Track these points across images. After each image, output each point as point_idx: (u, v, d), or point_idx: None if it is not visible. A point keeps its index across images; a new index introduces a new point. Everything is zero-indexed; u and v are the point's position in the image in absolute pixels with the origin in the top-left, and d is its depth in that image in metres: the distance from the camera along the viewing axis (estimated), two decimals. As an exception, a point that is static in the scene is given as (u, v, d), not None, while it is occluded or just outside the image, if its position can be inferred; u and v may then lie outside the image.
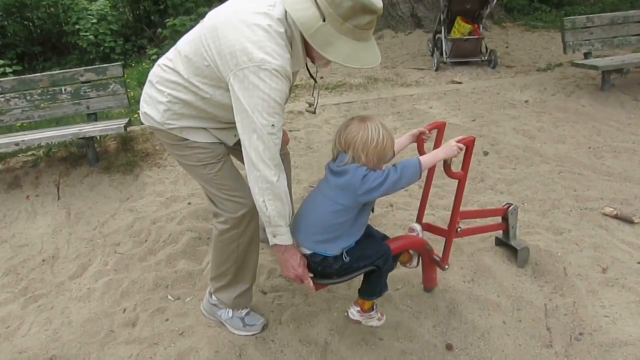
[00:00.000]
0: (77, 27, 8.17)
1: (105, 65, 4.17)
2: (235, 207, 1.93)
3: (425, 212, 2.34)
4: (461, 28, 6.31)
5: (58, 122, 4.67)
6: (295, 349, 2.08)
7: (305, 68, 1.91)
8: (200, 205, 3.29)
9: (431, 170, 2.24)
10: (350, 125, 1.74)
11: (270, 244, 1.81)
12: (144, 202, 3.47)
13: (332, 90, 5.72)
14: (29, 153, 4.18)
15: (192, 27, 1.88)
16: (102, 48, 8.26)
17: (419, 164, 1.73)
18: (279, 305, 2.33)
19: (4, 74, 7.00)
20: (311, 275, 1.85)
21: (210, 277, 2.18)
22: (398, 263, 2.10)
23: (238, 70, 1.61)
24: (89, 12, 8.37)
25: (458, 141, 1.85)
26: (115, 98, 4.14)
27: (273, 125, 1.65)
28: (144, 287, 2.56)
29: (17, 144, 3.71)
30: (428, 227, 2.27)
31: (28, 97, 4.00)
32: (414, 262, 2.18)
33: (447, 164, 1.91)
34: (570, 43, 5.22)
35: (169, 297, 2.48)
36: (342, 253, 1.81)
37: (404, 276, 2.45)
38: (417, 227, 2.23)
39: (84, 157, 4.02)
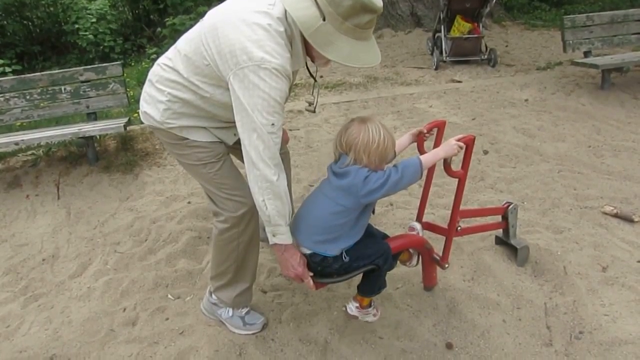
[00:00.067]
0: (76, 26, 8.17)
1: (104, 64, 4.17)
2: (235, 206, 1.93)
3: (425, 211, 2.34)
4: (461, 27, 6.30)
5: (58, 121, 4.67)
6: (296, 347, 2.09)
7: (305, 67, 1.91)
8: (200, 204, 3.29)
9: (431, 169, 2.24)
10: (350, 127, 1.74)
11: (270, 243, 1.81)
12: (144, 201, 3.47)
13: (332, 89, 5.72)
14: (29, 152, 4.18)
15: (191, 26, 1.88)
16: (101, 47, 8.26)
17: (420, 163, 1.73)
18: (279, 304, 2.33)
19: (4, 74, 7.01)
20: (311, 274, 1.85)
21: (210, 276, 2.18)
22: (398, 262, 2.11)
23: (238, 70, 1.61)
24: (88, 12, 8.37)
25: (458, 140, 1.85)
26: (114, 97, 4.13)
27: (273, 124, 1.65)
28: (144, 287, 2.56)
29: (16, 143, 3.71)
30: (428, 226, 2.27)
31: (28, 97, 4.00)
32: (414, 261, 2.18)
33: (447, 163, 1.91)
34: (570, 42, 5.21)
35: (169, 296, 2.48)
36: (341, 253, 1.81)
37: (404, 275, 2.45)
38: (417, 225, 2.23)
39: (83, 156, 4.02)
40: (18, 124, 4.49)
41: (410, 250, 2.14)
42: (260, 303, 2.34)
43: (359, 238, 1.83)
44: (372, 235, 1.95)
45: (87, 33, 8.08)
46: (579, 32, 5.25)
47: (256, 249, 2.11)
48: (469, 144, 1.92)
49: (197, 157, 1.93)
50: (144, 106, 1.95)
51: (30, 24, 8.91)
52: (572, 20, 5.26)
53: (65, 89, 4.05)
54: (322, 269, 1.85)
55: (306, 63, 1.86)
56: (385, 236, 2.04)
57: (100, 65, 4.19)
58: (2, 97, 3.96)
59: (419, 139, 2.07)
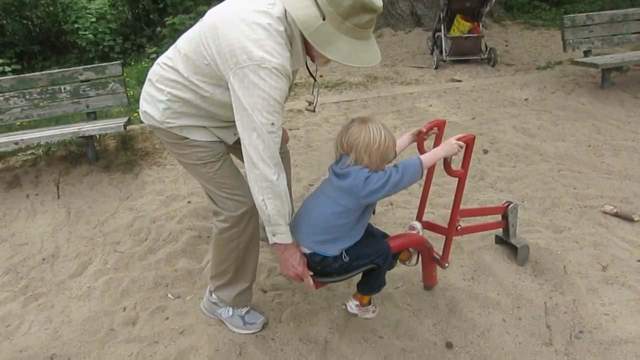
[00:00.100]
0: (76, 25, 8.17)
1: (104, 64, 4.17)
2: (236, 205, 1.93)
3: (425, 210, 2.34)
4: (461, 26, 6.30)
5: (57, 121, 4.67)
6: (296, 347, 2.09)
7: (305, 66, 1.91)
8: (200, 203, 3.29)
9: (431, 168, 2.24)
10: (351, 128, 1.74)
11: (270, 242, 1.81)
12: (143, 200, 3.47)
13: (332, 88, 5.72)
14: (29, 152, 4.18)
15: (191, 25, 1.88)
16: (101, 47, 8.26)
17: (420, 163, 1.74)
18: (279, 304, 2.34)
19: (3, 73, 7.01)
20: (311, 273, 1.85)
21: (210, 276, 2.18)
22: (397, 261, 2.11)
23: (238, 69, 1.60)
24: (88, 11, 8.37)
25: (458, 139, 1.85)
26: (114, 97, 4.13)
27: (273, 123, 1.65)
28: (144, 286, 2.56)
29: (16, 143, 3.70)
30: (428, 225, 2.27)
31: (27, 96, 4.00)
32: (413, 260, 2.18)
33: (447, 162, 1.91)
34: (570, 41, 5.21)
35: (169, 295, 2.48)
36: (341, 253, 1.81)
37: (404, 274, 2.45)
38: (418, 225, 2.23)
39: (83, 156, 4.02)
40: (18, 123, 4.48)
41: (410, 249, 2.14)
42: (260, 302, 2.34)
43: (359, 238, 1.83)
44: (372, 235, 1.95)
45: (86, 32, 8.08)
46: (579, 31, 5.25)
47: (256, 248, 2.11)
48: (469, 143, 1.92)
49: (197, 156, 1.93)
50: (144, 105, 1.95)
51: (29, 23, 8.91)
52: (572, 20, 5.26)
53: (65, 88, 4.05)
54: (322, 268, 1.85)
55: (306, 62, 1.86)
56: (385, 235, 2.04)
57: (100, 64, 4.18)
58: (1, 96, 3.96)
59: (419, 139, 2.07)
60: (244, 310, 2.18)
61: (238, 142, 1.75)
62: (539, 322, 2.14)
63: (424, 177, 2.20)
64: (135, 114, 4.56)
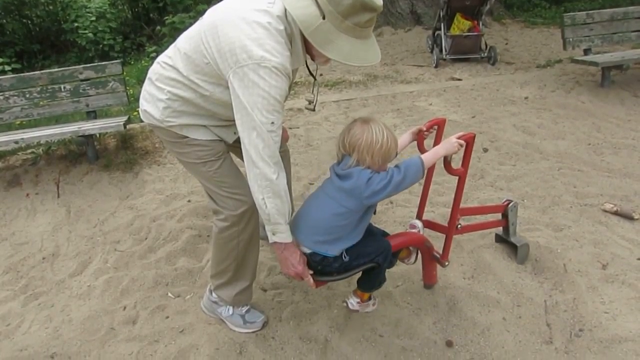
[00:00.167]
0: (75, 24, 8.16)
1: (104, 63, 4.16)
2: (236, 204, 1.93)
3: (425, 209, 2.34)
4: (461, 25, 6.30)
5: (57, 120, 4.67)
6: (296, 346, 2.09)
7: (305, 65, 1.91)
8: (200, 202, 3.29)
9: (431, 167, 2.23)
10: (353, 128, 1.74)
11: (270, 241, 1.81)
12: (143, 199, 3.47)
13: (332, 87, 5.72)
14: (29, 151, 4.18)
15: (191, 24, 1.88)
16: (101, 46, 8.25)
17: (422, 162, 1.74)
18: (279, 303, 2.34)
19: (3, 72, 7.00)
20: (311, 272, 1.86)
21: (210, 275, 2.18)
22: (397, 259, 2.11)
23: (238, 68, 1.60)
24: (87, 10, 8.36)
25: (458, 138, 1.85)
26: (114, 96, 4.13)
27: (273, 122, 1.65)
28: (144, 285, 2.56)
29: (16, 142, 3.70)
30: (428, 224, 2.27)
31: (27, 95, 4.00)
32: (412, 258, 2.18)
33: (447, 161, 1.91)
34: (570, 39, 5.21)
35: (169, 294, 2.48)
36: (341, 253, 1.81)
37: (404, 273, 2.45)
38: (419, 223, 2.23)
39: (83, 155, 4.02)
40: (18, 122, 4.48)
41: (410, 247, 2.15)
42: (261, 301, 2.34)
43: (359, 239, 1.83)
44: (371, 234, 1.95)
45: (86, 31, 8.07)
46: (578, 29, 5.25)
47: (256, 247, 2.11)
48: (469, 142, 1.92)
49: (197, 155, 1.93)
50: (144, 104, 1.95)
51: (29, 22, 8.90)
52: (572, 18, 5.26)
53: (64, 87, 4.05)
54: (322, 267, 1.85)
55: (306, 61, 1.86)
56: (384, 234, 2.04)
57: (99, 63, 4.18)
58: (1, 95, 3.95)
59: (419, 137, 2.07)
60: (244, 309, 2.18)
61: (238, 141, 1.75)
62: (539, 320, 2.14)
63: (424, 176, 2.20)
64: (135, 113, 4.56)
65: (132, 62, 7.95)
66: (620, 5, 8.28)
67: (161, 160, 4.02)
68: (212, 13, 1.75)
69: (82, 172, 3.85)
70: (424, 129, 2.06)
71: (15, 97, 3.98)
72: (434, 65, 6.29)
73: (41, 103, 4.04)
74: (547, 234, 2.72)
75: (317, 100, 2.12)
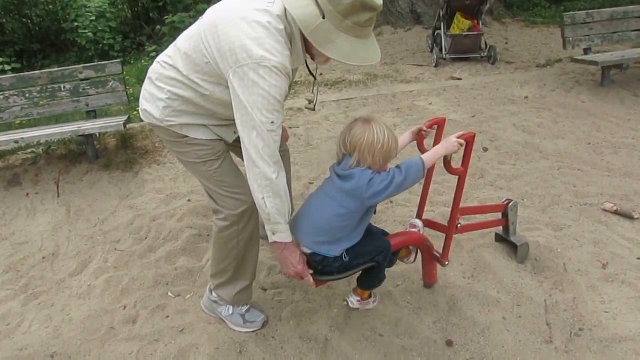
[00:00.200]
0: (75, 24, 8.16)
1: (104, 62, 4.16)
2: (236, 204, 1.93)
3: (425, 208, 2.34)
4: (461, 24, 6.30)
5: (57, 119, 4.67)
6: (296, 345, 2.09)
7: (305, 65, 1.91)
8: (200, 202, 3.29)
9: (431, 167, 2.24)
10: (354, 128, 1.74)
11: (270, 241, 1.81)
12: (143, 199, 3.47)
13: (332, 87, 5.72)
14: (29, 151, 4.18)
15: (191, 24, 1.87)
16: (101, 45, 8.25)
17: (423, 163, 1.74)
18: (279, 302, 2.34)
19: (3, 72, 7.01)
20: (311, 271, 1.86)
21: (210, 274, 2.18)
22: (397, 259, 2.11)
23: (237, 68, 1.60)
24: (87, 10, 8.36)
25: (458, 137, 1.85)
26: (114, 95, 4.13)
27: (273, 122, 1.65)
28: (144, 285, 2.56)
29: (16, 141, 3.70)
30: (428, 224, 2.27)
31: (27, 95, 3.99)
32: (412, 258, 2.18)
33: (447, 160, 1.91)
34: (570, 39, 5.21)
35: (169, 294, 2.48)
36: (342, 253, 1.81)
37: (404, 272, 2.45)
38: (419, 223, 2.23)
39: (83, 154, 4.02)
40: (18, 122, 4.48)
41: (410, 246, 2.15)
42: (261, 301, 2.34)
43: (359, 239, 1.83)
44: (371, 233, 1.95)
45: (86, 31, 8.07)
46: (578, 29, 5.25)
47: (256, 246, 2.11)
48: (469, 142, 1.92)
49: (197, 154, 1.93)
50: (144, 104, 1.95)
51: (29, 22, 8.90)
52: (572, 18, 5.25)
53: (64, 87, 4.05)
54: (322, 267, 1.85)
55: (306, 61, 1.86)
56: (384, 233, 2.04)
57: (99, 63, 4.18)
58: (1, 95, 3.95)
59: (419, 137, 2.07)
60: (244, 308, 2.18)
61: (238, 141, 1.75)
62: (539, 320, 2.14)
63: (424, 176, 2.20)
64: (135, 113, 4.56)
65: (132, 62, 7.95)
66: (620, 4, 8.28)
67: (161, 160, 4.02)
68: (212, 12, 1.75)
69: (82, 171, 3.85)
70: (424, 128, 2.06)
71: (15, 97, 3.98)
72: (434, 64, 6.29)
73: (41, 103, 4.04)
74: (547, 234, 2.72)
75: (317, 99, 2.12)
